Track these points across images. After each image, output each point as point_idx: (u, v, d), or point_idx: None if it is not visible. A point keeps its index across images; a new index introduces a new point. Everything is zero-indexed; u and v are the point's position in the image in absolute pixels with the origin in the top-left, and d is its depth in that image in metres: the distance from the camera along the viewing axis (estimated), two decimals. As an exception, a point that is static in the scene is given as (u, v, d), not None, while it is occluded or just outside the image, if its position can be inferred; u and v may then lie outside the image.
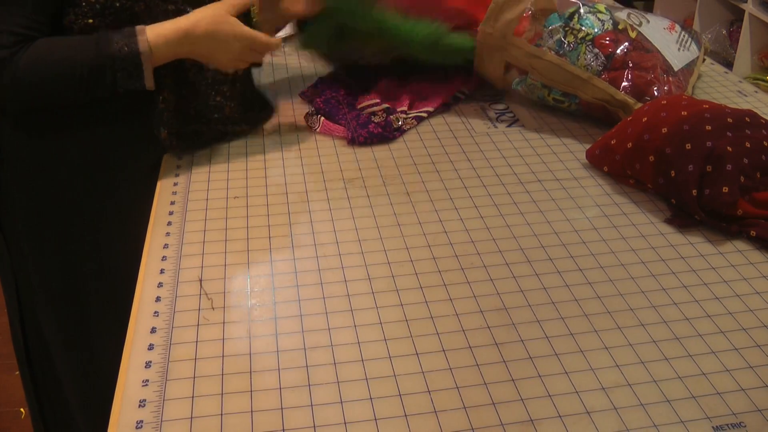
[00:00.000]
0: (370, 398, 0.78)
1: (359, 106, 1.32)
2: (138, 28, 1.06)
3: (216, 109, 1.19)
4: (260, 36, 1.15)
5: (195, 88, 1.17)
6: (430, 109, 1.36)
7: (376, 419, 0.76)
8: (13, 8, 1.02)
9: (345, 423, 0.75)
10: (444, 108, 1.39)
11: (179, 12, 1.10)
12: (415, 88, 1.40)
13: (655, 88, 1.27)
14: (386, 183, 1.16)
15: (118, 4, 1.05)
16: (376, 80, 1.39)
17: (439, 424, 0.75)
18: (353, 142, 1.25)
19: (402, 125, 1.30)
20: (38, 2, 1.03)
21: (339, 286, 0.94)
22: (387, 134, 1.27)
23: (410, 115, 1.33)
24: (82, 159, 1.15)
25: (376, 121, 1.28)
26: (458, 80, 1.43)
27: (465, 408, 0.76)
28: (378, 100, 1.32)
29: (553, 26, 1.32)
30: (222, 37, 1.11)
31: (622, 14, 1.36)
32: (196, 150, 1.22)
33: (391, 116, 1.30)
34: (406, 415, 0.76)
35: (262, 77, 1.51)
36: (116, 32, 1.05)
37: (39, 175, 1.15)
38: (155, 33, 1.07)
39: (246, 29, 1.13)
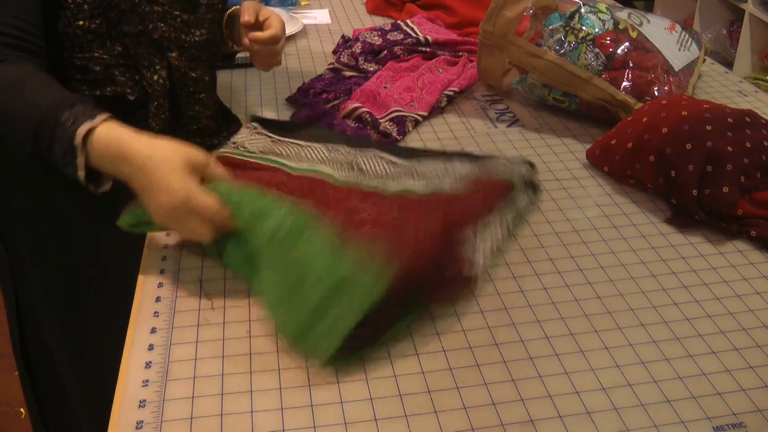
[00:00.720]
0: (370, 398, 0.78)
1: (342, 114, 1.31)
2: (101, 114, 0.90)
3: (194, 120, 1.18)
4: (205, 200, 0.87)
5: (178, 97, 1.15)
6: (424, 113, 1.35)
7: (376, 419, 0.75)
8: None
9: (345, 423, 0.75)
10: (442, 108, 1.39)
11: (166, 14, 1.08)
12: (402, 92, 1.39)
13: (656, 88, 1.27)
14: (386, 183, 1.16)
15: (105, 2, 1.03)
16: (358, 86, 1.38)
17: (439, 424, 0.75)
18: None
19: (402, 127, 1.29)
20: (23, 4, 0.98)
21: (339, 286, 0.94)
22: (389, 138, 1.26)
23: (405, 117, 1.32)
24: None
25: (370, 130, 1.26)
26: (448, 78, 1.43)
27: (465, 408, 0.76)
28: (359, 104, 1.31)
29: (554, 26, 1.32)
30: (157, 182, 0.86)
31: (622, 14, 1.36)
32: None
33: (382, 121, 1.29)
34: (406, 415, 0.76)
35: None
36: (84, 105, 0.90)
37: (37, 180, 1.15)
38: (106, 127, 0.89)
39: (192, 190, 0.87)
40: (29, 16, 0.98)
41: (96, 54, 1.06)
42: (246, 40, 1.19)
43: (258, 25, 1.19)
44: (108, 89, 1.09)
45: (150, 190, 0.87)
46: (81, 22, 1.03)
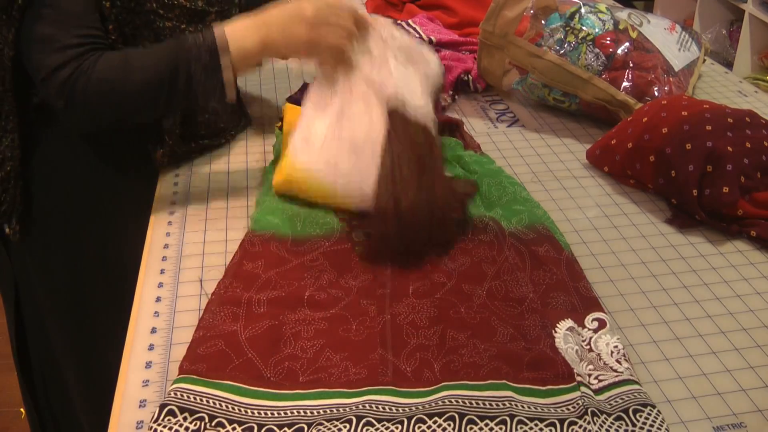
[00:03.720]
0: (371, 398, 0.78)
1: None
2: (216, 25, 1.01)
3: (203, 126, 1.19)
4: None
5: (188, 109, 1.16)
6: None
7: (376, 419, 0.75)
8: (74, 19, 0.99)
9: (345, 423, 0.75)
10: (443, 108, 1.39)
11: (175, 29, 1.08)
12: None
13: (656, 89, 1.27)
14: (386, 183, 1.15)
15: (120, 17, 1.04)
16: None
17: (440, 424, 0.75)
18: None
19: None
20: (94, 15, 1.01)
21: (339, 286, 0.93)
22: None
23: None
24: (85, 166, 1.14)
25: None
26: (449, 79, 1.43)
27: (465, 408, 0.76)
28: None
29: (554, 26, 1.32)
30: (292, 8, 1.00)
31: (622, 14, 1.36)
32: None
33: None
34: (406, 416, 0.76)
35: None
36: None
37: (45, 185, 1.15)
38: (230, 24, 1.01)
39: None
40: (99, 24, 1.03)
41: None
42: None
43: None
44: None
45: (294, 9, 1.00)
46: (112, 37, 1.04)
